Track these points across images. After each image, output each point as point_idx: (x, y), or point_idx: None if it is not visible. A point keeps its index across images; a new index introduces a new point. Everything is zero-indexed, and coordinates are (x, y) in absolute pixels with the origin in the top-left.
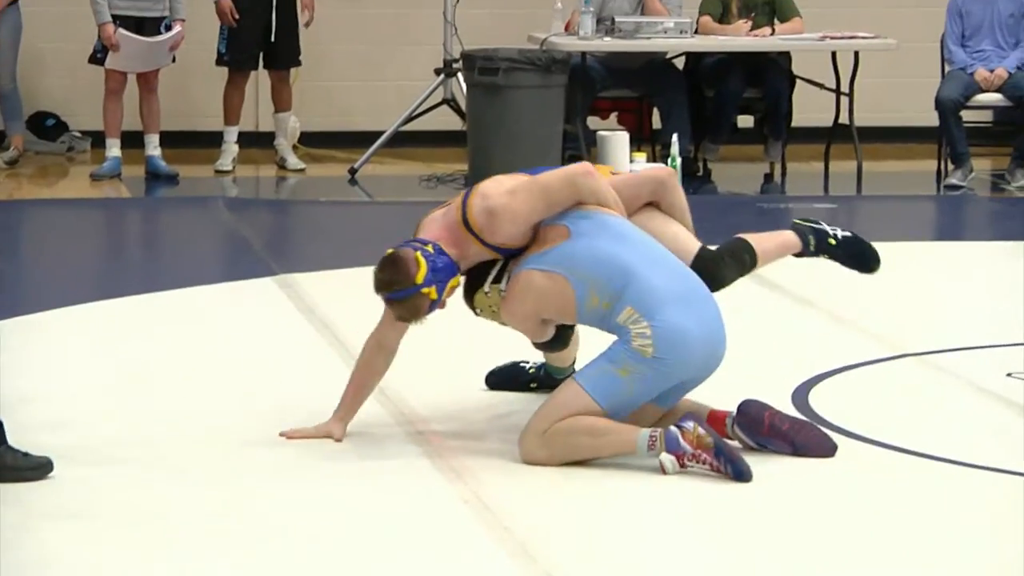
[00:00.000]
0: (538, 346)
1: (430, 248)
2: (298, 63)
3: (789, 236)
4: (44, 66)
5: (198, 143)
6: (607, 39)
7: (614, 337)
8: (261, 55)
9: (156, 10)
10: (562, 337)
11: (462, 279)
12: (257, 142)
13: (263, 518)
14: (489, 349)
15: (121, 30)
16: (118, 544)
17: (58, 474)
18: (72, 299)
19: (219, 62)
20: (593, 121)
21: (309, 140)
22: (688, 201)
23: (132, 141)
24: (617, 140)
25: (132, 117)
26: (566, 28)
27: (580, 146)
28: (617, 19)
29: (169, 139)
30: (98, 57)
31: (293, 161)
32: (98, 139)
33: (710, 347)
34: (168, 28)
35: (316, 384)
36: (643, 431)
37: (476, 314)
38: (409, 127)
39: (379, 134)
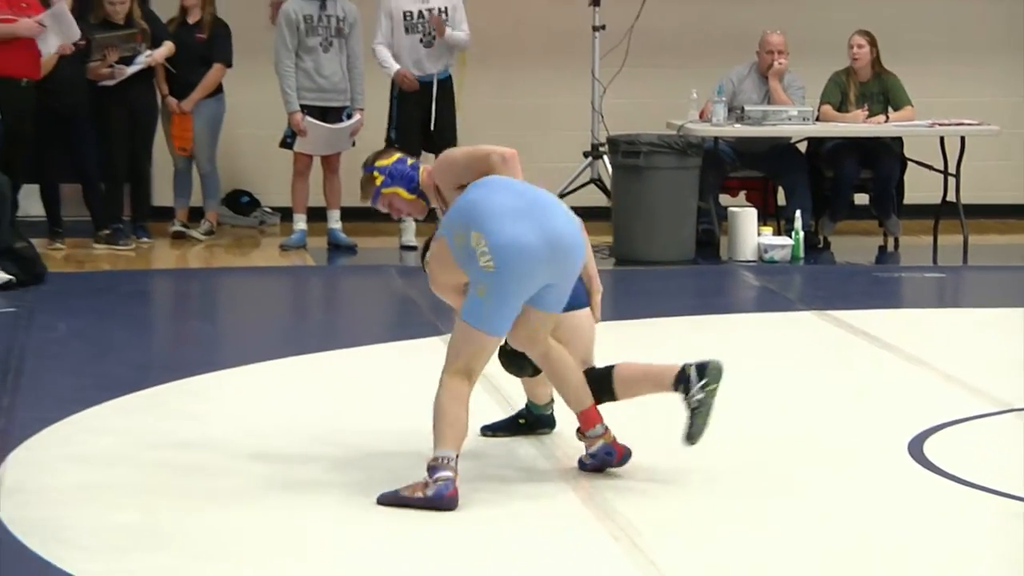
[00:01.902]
0: (512, 371)
1: (410, 160)
2: (456, 146)
3: (662, 374)
4: (240, 150)
5: (375, 217)
6: (737, 125)
7: None
8: (423, 141)
9: (339, 100)
10: (520, 363)
11: (424, 208)
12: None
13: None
14: None
15: (308, 118)
16: None
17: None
18: (263, 356)
19: (388, 146)
20: (724, 198)
21: None
22: (809, 270)
23: (316, 216)
24: (745, 216)
25: (316, 195)
26: (700, 116)
27: (712, 220)
28: (746, 108)
29: (349, 214)
30: (287, 142)
31: None
32: (286, 214)
33: (552, 250)
34: (349, 116)
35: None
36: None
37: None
38: None
39: None
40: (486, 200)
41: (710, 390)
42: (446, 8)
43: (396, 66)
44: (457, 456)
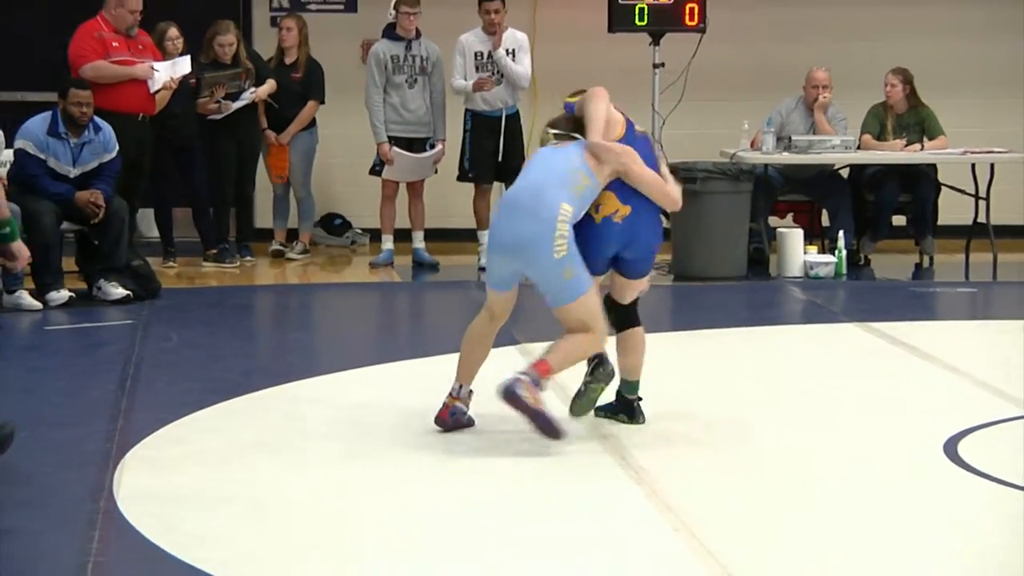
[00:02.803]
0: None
1: None
2: None
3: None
4: (334, 177)
5: (455, 238)
6: (785, 153)
7: None
8: (495, 171)
9: (423, 132)
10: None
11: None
12: None
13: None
14: None
15: (395, 148)
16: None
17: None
18: (355, 363)
19: (462, 178)
20: (773, 220)
21: None
22: (852, 286)
23: (402, 236)
24: (793, 236)
25: (402, 217)
26: (752, 145)
27: (763, 240)
28: (794, 138)
29: (432, 235)
30: (376, 169)
31: None
32: (375, 235)
33: (504, 249)
34: (432, 146)
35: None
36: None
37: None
38: None
39: None
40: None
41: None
42: (514, 50)
43: (468, 83)
44: (462, 385)
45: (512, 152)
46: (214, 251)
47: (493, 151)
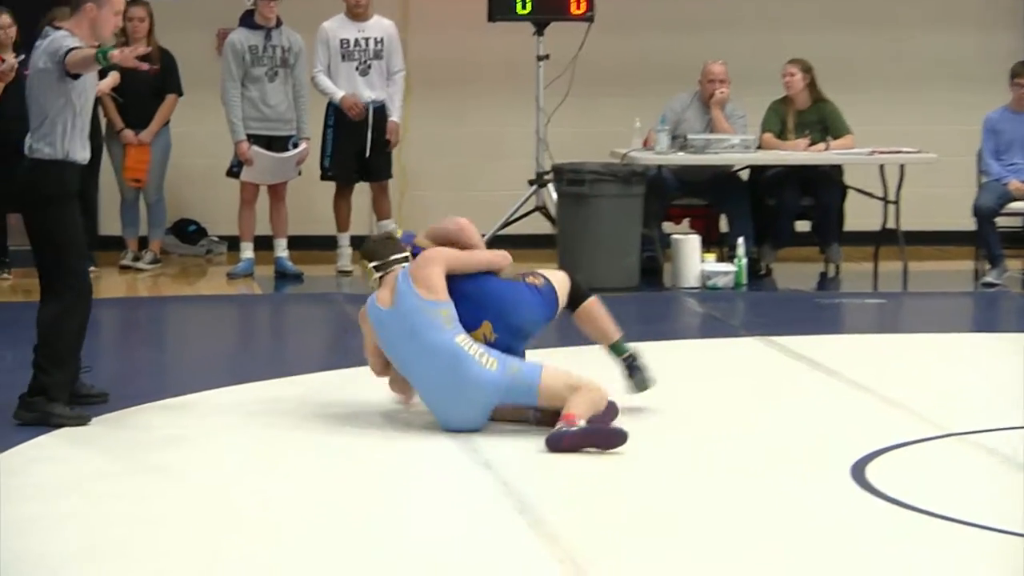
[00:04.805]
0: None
1: None
2: (389, 176)
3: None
4: (187, 179)
5: (320, 246)
6: (680, 154)
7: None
8: (359, 170)
9: (285, 130)
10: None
11: None
12: None
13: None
14: None
15: (254, 147)
16: None
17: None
18: (210, 384)
19: (324, 177)
20: (667, 226)
21: None
22: (752, 297)
23: (263, 244)
24: (689, 243)
25: (263, 223)
26: (644, 144)
27: (656, 247)
28: (689, 136)
29: (295, 242)
30: (234, 171)
31: None
32: (233, 243)
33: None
34: (295, 145)
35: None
36: None
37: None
38: (506, 231)
39: None
40: None
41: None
42: (382, 38)
43: (340, 92)
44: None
45: (378, 150)
46: None
47: (359, 149)
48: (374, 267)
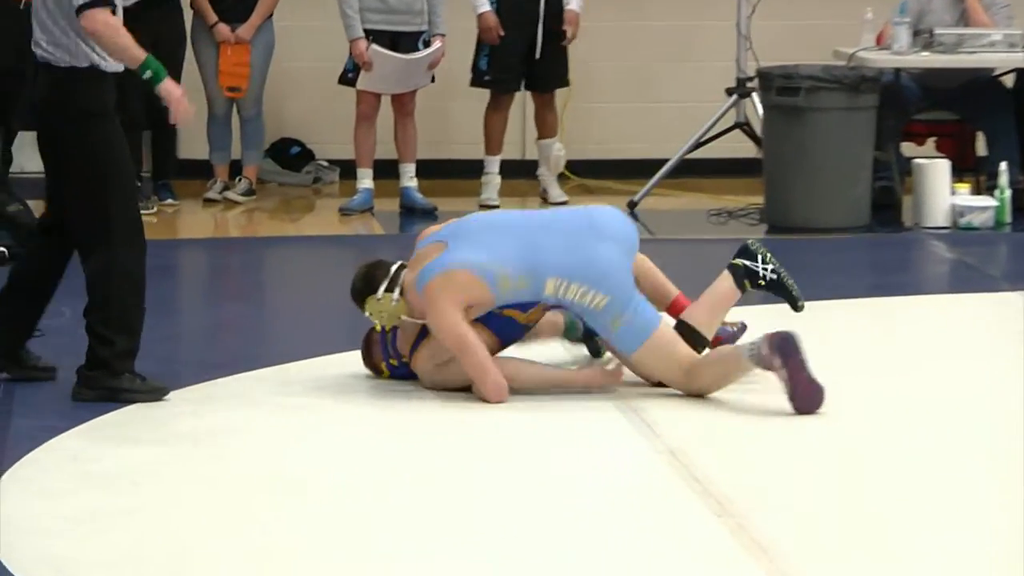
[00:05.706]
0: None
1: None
2: (566, 83)
3: (726, 291)
4: (290, 88)
5: (459, 173)
6: (925, 54)
7: None
8: (524, 75)
9: (414, 24)
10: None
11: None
12: (523, 171)
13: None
14: None
15: (374, 46)
16: None
17: None
18: (319, 349)
19: (477, 83)
20: (908, 147)
21: (582, 169)
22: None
23: (385, 171)
24: (936, 169)
25: (386, 144)
26: (877, 41)
27: (893, 176)
28: (936, 31)
29: (426, 169)
30: (349, 77)
31: (556, 193)
32: (347, 169)
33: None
34: (427, 44)
35: None
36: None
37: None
38: (695, 155)
39: (660, 163)
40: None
41: (770, 258)
42: None
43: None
44: None
45: (553, 48)
46: None
47: (527, 46)
48: (385, 289)
